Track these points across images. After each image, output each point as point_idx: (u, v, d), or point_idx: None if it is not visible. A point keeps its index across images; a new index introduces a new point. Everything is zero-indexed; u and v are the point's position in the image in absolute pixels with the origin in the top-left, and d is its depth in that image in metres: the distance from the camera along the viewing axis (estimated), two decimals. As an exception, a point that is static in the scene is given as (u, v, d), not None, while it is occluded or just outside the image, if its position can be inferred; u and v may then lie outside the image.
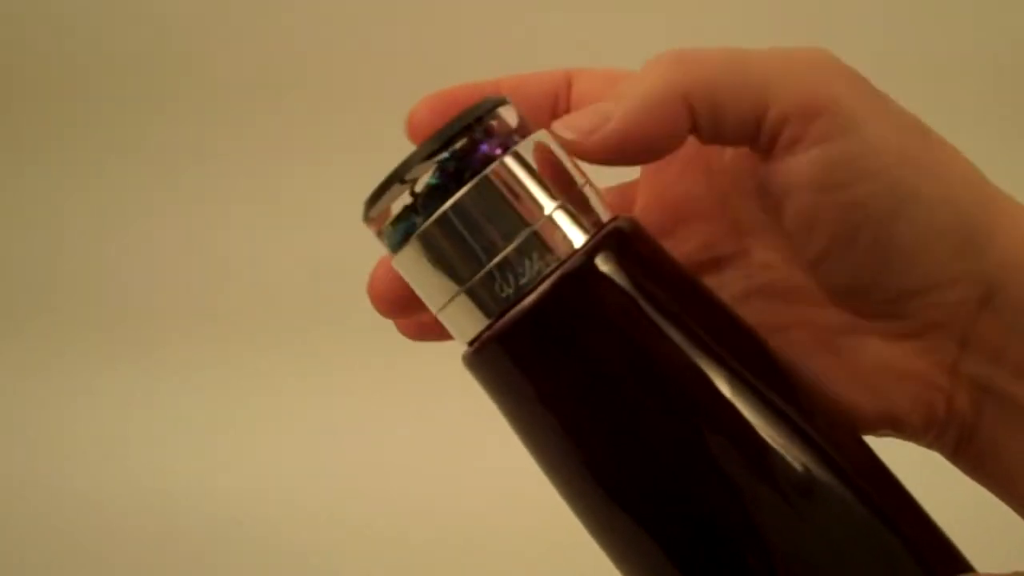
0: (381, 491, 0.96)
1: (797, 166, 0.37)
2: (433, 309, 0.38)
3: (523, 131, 0.38)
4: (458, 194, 0.36)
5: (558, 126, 0.37)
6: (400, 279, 0.39)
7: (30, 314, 1.04)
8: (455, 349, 0.38)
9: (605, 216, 0.38)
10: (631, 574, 0.37)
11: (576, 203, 0.37)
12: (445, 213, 0.36)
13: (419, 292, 0.38)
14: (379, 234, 0.38)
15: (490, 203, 0.36)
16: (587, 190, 0.38)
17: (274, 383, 1.00)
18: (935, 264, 0.37)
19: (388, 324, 0.42)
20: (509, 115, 0.38)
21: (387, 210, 0.37)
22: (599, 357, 0.35)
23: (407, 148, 0.39)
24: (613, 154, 0.37)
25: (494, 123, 0.37)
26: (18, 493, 0.99)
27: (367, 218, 0.38)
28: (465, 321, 0.37)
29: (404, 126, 0.41)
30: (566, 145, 0.37)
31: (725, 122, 0.37)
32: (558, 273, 0.36)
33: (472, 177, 0.36)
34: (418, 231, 0.36)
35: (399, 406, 0.98)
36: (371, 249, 0.40)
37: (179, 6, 1.00)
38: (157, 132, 1.02)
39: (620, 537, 0.36)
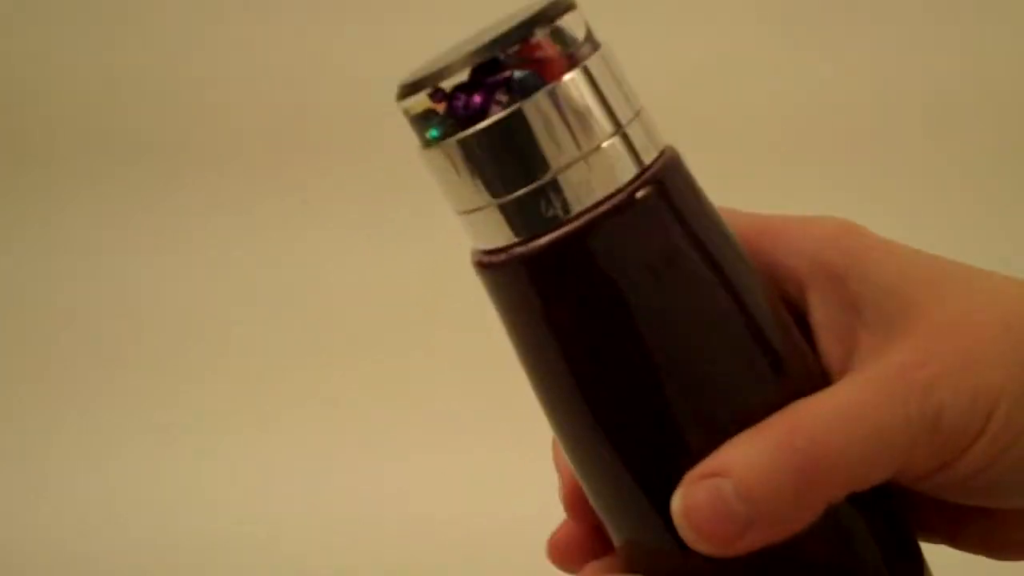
0: (382, 517, 0.96)
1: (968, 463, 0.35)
2: (455, 208, 0.35)
3: (591, 43, 0.34)
4: (519, 103, 0.33)
5: (687, 531, 0.33)
6: (577, 536, 0.38)
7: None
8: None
9: (657, 146, 0.35)
10: (610, 497, 0.36)
11: (634, 130, 0.34)
12: (501, 121, 0.33)
13: (444, 189, 0.35)
14: (411, 120, 0.34)
15: (549, 119, 0.33)
16: (643, 115, 0.35)
17: (275, 404, 1.00)
18: None
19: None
20: (578, 23, 0.34)
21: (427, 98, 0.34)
22: (626, 293, 0.34)
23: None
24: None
25: (564, 29, 0.34)
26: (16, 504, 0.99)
27: (404, 98, 0.34)
28: (492, 231, 0.34)
29: None
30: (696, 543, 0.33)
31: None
32: (607, 205, 0.33)
33: (534, 86, 0.33)
34: (466, 132, 0.33)
35: (400, 427, 0.98)
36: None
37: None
38: (158, 153, 1.02)
39: (602, 464, 0.36)
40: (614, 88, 0.34)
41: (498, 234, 0.34)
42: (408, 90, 0.34)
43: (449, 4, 0.98)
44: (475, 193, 0.34)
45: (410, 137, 0.35)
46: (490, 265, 0.34)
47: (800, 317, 0.37)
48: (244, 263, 1.02)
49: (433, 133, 0.34)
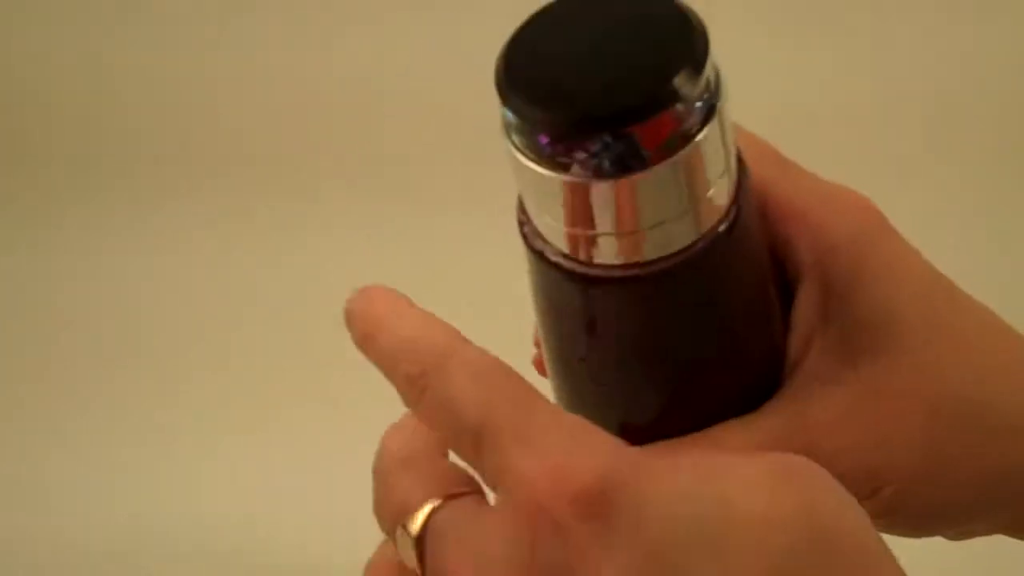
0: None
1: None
2: (529, 204, 0.33)
3: (707, 102, 0.31)
4: (609, 181, 0.31)
5: None
6: None
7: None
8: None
9: (732, 180, 0.33)
10: None
11: (719, 184, 0.33)
12: (582, 185, 0.31)
13: (526, 191, 0.33)
14: (497, 84, 0.32)
15: (634, 195, 0.31)
16: (731, 158, 0.33)
17: (274, 404, 1.00)
18: None
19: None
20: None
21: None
22: (681, 330, 0.35)
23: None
24: None
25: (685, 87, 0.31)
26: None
27: (499, 92, 0.31)
28: (555, 236, 0.33)
29: None
30: None
31: None
32: (679, 258, 0.33)
33: (628, 165, 0.31)
34: (545, 173, 0.31)
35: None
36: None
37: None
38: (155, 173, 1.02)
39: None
40: (716, 153, 0.32)
41: (562, 243, 0.33)
42: (503, 95, 0.31)
43: (450, 4, 0.98)
44: (543, 211, 0.33)
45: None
46: (547, 260, 0.34)
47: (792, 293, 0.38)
48: (244, 264, 1.02)
49: (507, 114, 0.31)
